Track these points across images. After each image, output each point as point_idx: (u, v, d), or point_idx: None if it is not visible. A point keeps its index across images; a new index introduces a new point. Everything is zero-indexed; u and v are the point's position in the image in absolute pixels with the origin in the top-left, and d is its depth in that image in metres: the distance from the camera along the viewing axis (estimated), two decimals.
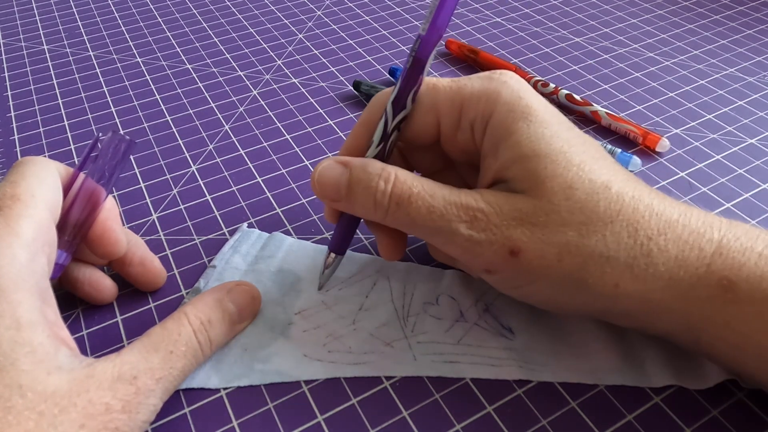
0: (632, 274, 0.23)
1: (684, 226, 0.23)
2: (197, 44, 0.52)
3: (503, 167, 0.25)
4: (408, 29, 0.53)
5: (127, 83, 0.47)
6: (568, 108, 0.43)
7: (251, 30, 0.54)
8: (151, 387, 0.23)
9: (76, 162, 0.40)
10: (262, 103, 0.45)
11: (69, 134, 0.42)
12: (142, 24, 0.55)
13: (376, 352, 0.28)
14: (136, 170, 0.39)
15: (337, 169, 0.26)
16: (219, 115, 0.43)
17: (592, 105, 0.42)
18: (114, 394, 0.22)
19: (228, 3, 0.58)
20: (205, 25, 0.55)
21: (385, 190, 0.25)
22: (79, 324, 0.29)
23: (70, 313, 0.30)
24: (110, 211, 0.28)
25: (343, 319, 0.29)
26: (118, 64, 0.49)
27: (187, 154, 0.40)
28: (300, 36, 0.53)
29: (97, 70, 0.49)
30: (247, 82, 0.47)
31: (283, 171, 0.38)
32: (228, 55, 0.50)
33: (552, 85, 0.44)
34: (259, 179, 0.38)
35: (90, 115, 0.44)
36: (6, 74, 0.49)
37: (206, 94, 0.46)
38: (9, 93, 0.46)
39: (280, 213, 0.35)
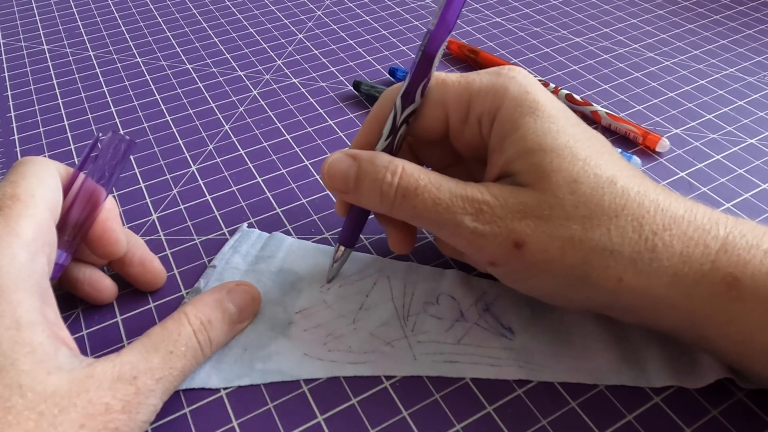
0: (636, 269, 0.23)
1: (689, 223, 0.23)
2: (197, 44, 0.52)
3: (509, 161, 0.25)
4: (408, 29, 0.53)
5: (127, 83, 0.47)
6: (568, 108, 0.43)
7: (251, 30, 0.54)
8: (151, 387, 0.23)
9: (76, 162, 0.40)
10: (262, 103, 0.45)
11: (69, 134, 0.42)
12: (142, 24, 0.55)
13: (376, 352, 0.28)
14: (136, 170, 0.39)
15: (346, 162, 0.26)
16: (219, 115, 0.43)
17: (592, 105, 0.42)
18: (114, 394, 0.22)
19: (228, 3, 0.58)
20: (205, 25, 0.55)
21: (392, 182, 0.25)
22: (79, 324, 0.29)
23: (70, 313, 0.30)
24: (110, 211, 0.28)
25: (343, 318, 0.29)
26: (118, 64, 0.49)
27: (187, 154, 0.40)
28: (300, 36, 0.53)
29: (97, 70, 0.49)
30: (247, 82, 0.47)
31: (283, 171, 0.38)
32: (228, 55, 0.50)
33: (552, 85, 0.44)
34: (259, 179, 0.38)
35: (90, 115, 0.44)
36: (6, 74, 0.49)
37: (206, 94, 0.46)
38: (9, 93, 0.46)
39: (280, 213, 0.35)
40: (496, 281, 0.30)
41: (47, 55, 0.51)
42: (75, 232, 0.27)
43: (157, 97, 0.46)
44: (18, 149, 0.41)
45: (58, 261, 0.26)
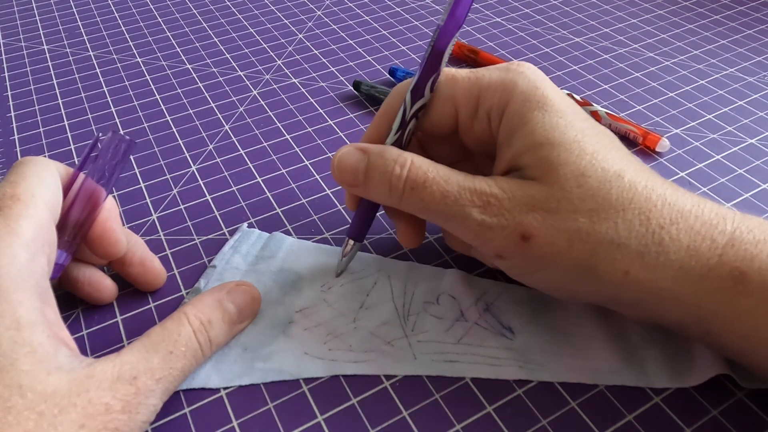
0: (643, 262, 0.23)
1: (697, 217, 0.23)
2: (197, 44, 0.52)
3: (517, 155, 0.25)
4: (408, 29, 0.53)
5: (127, 83, 0.47)
6: None
7: (251, 30, 0.54)
8: (151, 387, 0.23)
9: (76, 162, 0.40)
10: (262, 103, 0.45)
11: (69, 134, 0.42)
12: (142, 24, 0.55)
13: (376, 351, 0.28)
14: (136, 170, 0.39)
15: (355, 155, 0.27)
16: (219, 115, 0.43)
17: (592, 105, 0.42)
18: (114, 394, 0.22)
19: (228, 3, 0.58)
20: (205, 25, 0.55)
21: (400, 175, 0.25)
22: (79, 324, 0.29)
23: (70, 313, 0.30)
24: (110, 211, 0.28)
25: (343, 317, 0.29)
26: (118, 64, 0.49)
27: (187, 154, 0.40)
28: (300, 36, 0.53)
29: (97, 70, 0.49)
30: (247, 82, 0.47)
31: (283, 171, 0.38)
32: (228, 55, 0.50)
33: None
34: (259, 179, 0.38)
35: (90, 115, 0.44)
36: (6, 74, 0.49)
37: (206, 94, 0.46)
38: (9, 93, 0.46)
39: (280, 213, 0.35)
40: (497, 281, 0.30)
41: (47, 55, 0.51)
42: (75, 232, 0.27)
43: (157, 97, 0.46)
44: (18, 149, 0.41)
45: (58, 261, 0.26)
